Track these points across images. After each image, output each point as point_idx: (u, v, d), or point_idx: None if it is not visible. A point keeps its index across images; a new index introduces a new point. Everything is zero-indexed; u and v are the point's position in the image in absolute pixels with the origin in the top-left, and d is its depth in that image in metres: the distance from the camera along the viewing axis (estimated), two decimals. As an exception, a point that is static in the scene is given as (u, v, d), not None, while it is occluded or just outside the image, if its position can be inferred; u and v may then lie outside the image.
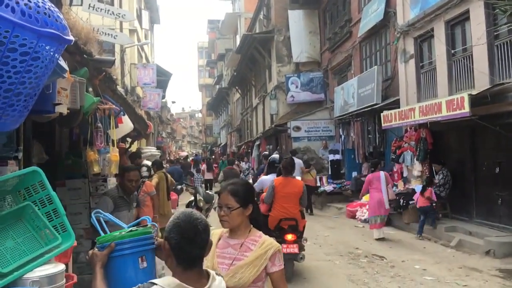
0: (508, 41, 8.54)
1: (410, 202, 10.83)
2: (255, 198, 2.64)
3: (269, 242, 2.43)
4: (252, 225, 2.51)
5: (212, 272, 1.79)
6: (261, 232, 2.51)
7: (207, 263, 2.40)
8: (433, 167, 10.98)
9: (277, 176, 6.95)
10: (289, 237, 6.68)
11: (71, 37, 2.39)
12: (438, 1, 10.52)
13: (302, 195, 6.70)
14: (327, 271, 7.47)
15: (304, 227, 7.25)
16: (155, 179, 7.87)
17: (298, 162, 12.75)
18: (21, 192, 2.82)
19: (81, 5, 10.48)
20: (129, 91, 18.32)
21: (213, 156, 38.48)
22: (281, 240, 6.48)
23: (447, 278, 6.93)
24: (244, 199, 2.44)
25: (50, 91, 3.06)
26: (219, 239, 2.52)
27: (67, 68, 3.01)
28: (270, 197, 6.69)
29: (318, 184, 15.58)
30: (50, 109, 3.23)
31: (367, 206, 12.50)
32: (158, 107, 21.53)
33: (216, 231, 2.52)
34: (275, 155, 12.83)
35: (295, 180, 6.97)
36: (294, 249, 6.70)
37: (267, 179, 7.59)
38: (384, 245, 9.42)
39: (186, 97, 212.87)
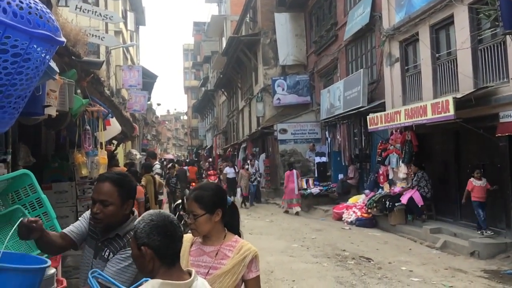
0: (492, 46, 8.70)
1: (396, 204, 10.94)
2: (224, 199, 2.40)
3: (247, 247, 2.29)
4: (226, 229, 2.36)
5: (193, 270, 1.78)
6: (236, 236, 2.37)
7: None
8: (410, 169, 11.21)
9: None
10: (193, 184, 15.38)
11: (63, 39, 2.36)
12: (423, 5, 10.67)
13: (196, 171, 20.30)
14: (315, 273, 7.48)
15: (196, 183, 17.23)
16: (143, 182, 7.78)
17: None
18: (10, 196, 2.77)
19: (66, 5, 10.38)
20: (115, 93, 18.17)
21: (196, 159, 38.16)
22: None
23: (433, 279, 7.01)
24: (210, 205, 2.25)
25: (40, 93, 3.02)
26: (191, 245, 2.35)
27: (57, 70, 2.97)
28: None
29: (306, 185, 16.51)
30: (39, 111, 3.18)
31: (353, 209, 12.66)
32: (144, 109, 21.41)
33: (187, 236, 2.32)
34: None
35: (194, 167, 20.80)
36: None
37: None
38: (371, 246, 9.49)
39: (171, 99, 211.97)
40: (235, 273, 2.21)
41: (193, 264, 2.26)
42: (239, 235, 2.41)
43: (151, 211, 1.81)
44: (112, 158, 8.01)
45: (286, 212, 15.29)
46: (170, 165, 20.28)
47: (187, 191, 9.09)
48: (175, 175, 15.61)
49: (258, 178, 18.58)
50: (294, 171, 15.53)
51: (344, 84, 15.16)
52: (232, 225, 2.41)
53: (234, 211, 2.46)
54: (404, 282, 6.89)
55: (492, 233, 8.77)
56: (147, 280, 1.76)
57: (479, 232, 8.93)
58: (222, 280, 2.20)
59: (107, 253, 2.35)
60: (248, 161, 20.24)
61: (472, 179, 9.01)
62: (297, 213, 14.75)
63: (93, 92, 5.75)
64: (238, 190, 18.51)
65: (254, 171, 18.61)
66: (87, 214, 2.55)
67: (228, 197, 2.44)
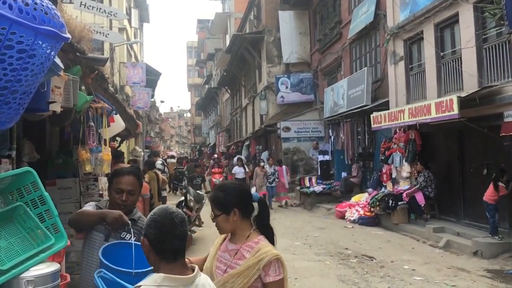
0: (497, 44, 8.66)
1: (399, 203, 10.92)
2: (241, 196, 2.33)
3: (265, 250, 2.18)
4: (253, 228, 2.31)
5: (196, 267, 1.81)
6: (261, 237, 2.28)
7: (206, 263, 2.35)
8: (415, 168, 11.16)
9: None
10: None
11: (68, 35, 2.37)
12: (427, 4, 10.62)
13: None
14: (317, 271, 7.49)
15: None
16: (146, 179, 7.78)
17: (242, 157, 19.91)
18: (12, 193, 2.77)
19: (71, 2, 10.39)
20: (118, 90, 18.19)
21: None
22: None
23: (436, 278, 7.00)
24: (225, 205, 2.23)
25: (45, 89, 3.03)
26: (224, 240, 2.38)
27: (62, 66, 2.98)
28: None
29: (309, 183, 16.66)
30: (44, 107, 3.19)
31: (356, 207, 12.64)
32: (147, 106, 21.39)
33: None
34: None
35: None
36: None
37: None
38: (374, 245, 9.48)
39: (174, 96, 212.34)
40: (247, 276, 2.15)
41: (218, 259, 2.31)
42: (270, 231, 2.37)
43: (161, 206, 1.85)
44: (119, 156, 8.04)
45: (281, 206, 16.24)
46: (193, 164, 19.33)
47: (190, 189, 9.11)
48: (178, 173, 15.62)
49: (277, 179, 16.48)
50: (284, 167, 16.59)
51: (348, 83, 15.13)
52: (261, 223, 2.37)
53: (262, 207, 2.41)
54: (406, 281, 6.89)
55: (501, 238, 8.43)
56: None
57: (497, 237, 8.43)
58: (234, 280, 2.17)
59: (128, 237, 2.65)
60: (265, 159, 18.38)
61: (500, 183, 8.34)
62: (283, 205, 16.18)
63: (97, 89, 5.76)
64: (253, 189, 16.14)
65: (272, 170, 16.22)
66: (92, 204, 2.94)
67: (255, 193, 2.43)
